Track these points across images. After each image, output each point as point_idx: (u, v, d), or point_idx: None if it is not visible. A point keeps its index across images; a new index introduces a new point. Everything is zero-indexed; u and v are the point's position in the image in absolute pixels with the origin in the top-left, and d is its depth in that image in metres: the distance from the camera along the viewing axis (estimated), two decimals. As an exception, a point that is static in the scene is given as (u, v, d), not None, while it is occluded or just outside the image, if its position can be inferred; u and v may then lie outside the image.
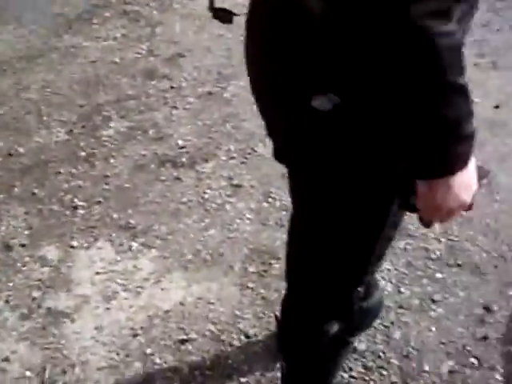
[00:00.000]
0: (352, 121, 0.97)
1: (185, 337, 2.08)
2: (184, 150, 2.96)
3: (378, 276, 1.99)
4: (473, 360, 1.96)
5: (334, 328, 1.38)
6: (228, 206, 2.62)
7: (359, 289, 1.33)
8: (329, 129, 1.01)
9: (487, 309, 2.13)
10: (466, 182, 0.92)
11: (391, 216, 1.16)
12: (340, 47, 0.87)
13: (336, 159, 1.05)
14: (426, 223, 1.05)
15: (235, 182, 2.75)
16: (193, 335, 2.09)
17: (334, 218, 1.18)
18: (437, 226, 2.47)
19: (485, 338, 2.03)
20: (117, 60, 3.70)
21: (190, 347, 2.05)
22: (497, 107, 3.42)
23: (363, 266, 1.28)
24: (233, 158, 2.90)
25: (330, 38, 0.88)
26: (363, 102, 0.91)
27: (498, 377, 1.90)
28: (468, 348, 1.99)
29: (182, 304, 2.20)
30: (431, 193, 0.92)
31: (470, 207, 1.00)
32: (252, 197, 2.66)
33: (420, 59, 0.79)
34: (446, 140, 0.85)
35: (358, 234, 1.20)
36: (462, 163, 0.89)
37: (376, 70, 0.82)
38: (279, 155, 1.16)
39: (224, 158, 2.91)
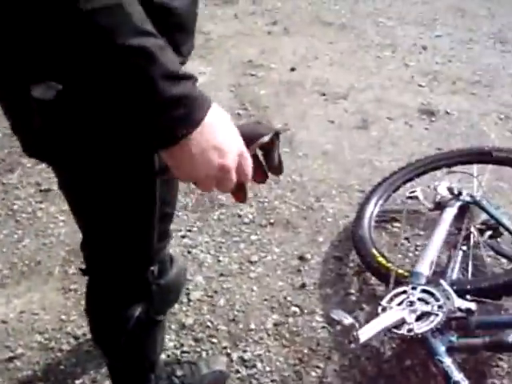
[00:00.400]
0: (80, 105, 0.93)
1: (12, 354, 1.99)
2: (-15, 165, 2.83)
3: (173, 251, 2.00)
4: (294, 309, 2.05)
5: (137, 311, 1.38)
6: (40, 213, 2.54)
7: (152, 268, 1.34)
8: (59, 117, 0.97)
9: (302, 258, 2.23)
10: (209, 145, 0.84)
11: (158, 191, 1.17)
12: (33, 31, 0.78)
13: (80, 147, 1.02)
14: (236, 196, 0.96)
15: (44, 187, 2.67)
16: (20, 350, 2.00)
17: (103, 203, 1.17)
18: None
19: (303, 285, 2.12)
20: None
21: (18, 363, 1.97)
22: (293, 70, 3.58)
23: (148, 245, 1.28)
24: (39, 163, 2.81)
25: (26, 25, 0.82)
26: (80, 84, 0.84)
27: (318, 318, 2.01)
28: (289, 299, 2.08)
29: (4, 322, 2.10)
30: (175, 162, 0.85)
31: (260, 172, 0.94)
32: (63, 199, 2.58)
33: (75, 29, 0.73)
34: (148, 105, 0.79)
35: (133, 215, 1.20)
36: (185, 127, 0.81)
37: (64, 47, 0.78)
38: (27, 151, 1.10)
39: (29, 165, 2.81)
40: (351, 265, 2.19)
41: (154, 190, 1.17)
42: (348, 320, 1.57)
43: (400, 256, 2.21)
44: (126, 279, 1.34)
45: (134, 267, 1.32)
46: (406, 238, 2.28)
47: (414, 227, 2.31)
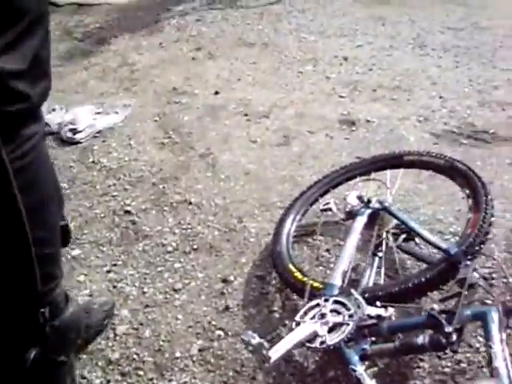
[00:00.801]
0: None
1: None
2: None
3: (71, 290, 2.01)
4: (219, 332, 2.05)
5: (33, 354, 1.37)
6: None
7: (42, 310, 1.34)
8: None
9: (225, 281, 2.24)
10: None
11: (30, 232, 1.18)
12: None
13: None
14: None
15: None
16: None
17: None
18: (170, 220, 2.58)
19: (226, 308, 2.14)
20: None
21: None
22: (216, 93, 3.61)
23: (32, 287, 1.29)
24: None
25: None
26: None
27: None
28: (213, 323, 2.09)
29: None
30: None
31: None
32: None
33: None
34: None
35: (7, 258, 1.21)
36: None
37: None
38: None
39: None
40: (273, 282, 2.21)
41: (25, 231, 1.18)
42: (255, 340, 1.58)
43: (322, 268, 2.23)
44: (18, 322, 1.34)
45: (21, 310, 1.32)
46: (327, 250, 2.31)
47: (334, 238, 2.35)
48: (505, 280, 2.13)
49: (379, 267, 2.04)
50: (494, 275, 2.15)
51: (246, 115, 3.35)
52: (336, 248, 2.31)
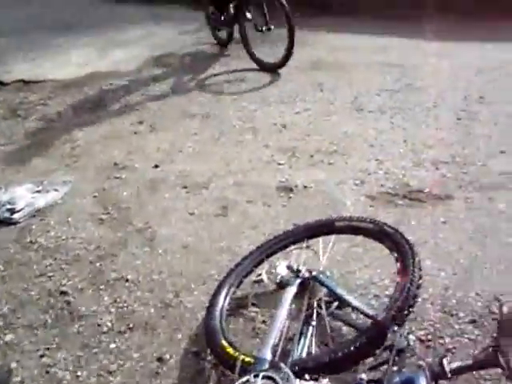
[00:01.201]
0: None
1: None
2: None
3: None
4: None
5: None
6: None
7: None
8: None
9: (160, 360, 2.20)
10: None
11: None
12: None
13: None
14: None
15: None
16: None
17: None
18: (106, 298, 2.54)
19: (160, 388, 2.10)
20: None
21: None
22: (156, 167, 3.63)
23: None
24: None
25: None
26: None
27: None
28: (144, 407, 2.05)
29: None
30: None
31: None
32: None
33: None
34: None
35: None
36: None
37: None
38: None
39: None
40: (209, 358, 2.17)
41: None
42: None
43: (258, 340, 2.21)
44: None
45: None
46: (263, 321, 2.30)
47: (270, 309, 2.33)
48: (440, 341, 2.14)
49: (312, 336, 2.03)
50: (429, 337, 2.16)
51: (186, 187, 3.36)
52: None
